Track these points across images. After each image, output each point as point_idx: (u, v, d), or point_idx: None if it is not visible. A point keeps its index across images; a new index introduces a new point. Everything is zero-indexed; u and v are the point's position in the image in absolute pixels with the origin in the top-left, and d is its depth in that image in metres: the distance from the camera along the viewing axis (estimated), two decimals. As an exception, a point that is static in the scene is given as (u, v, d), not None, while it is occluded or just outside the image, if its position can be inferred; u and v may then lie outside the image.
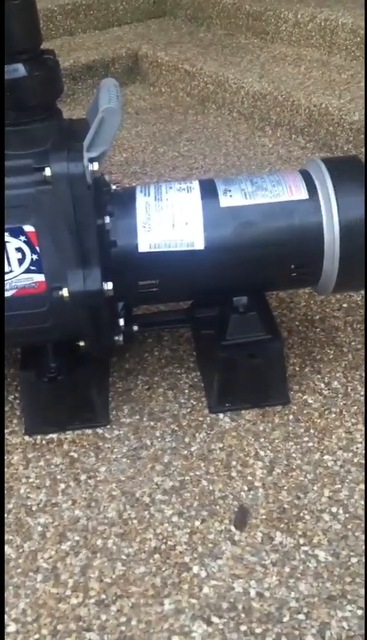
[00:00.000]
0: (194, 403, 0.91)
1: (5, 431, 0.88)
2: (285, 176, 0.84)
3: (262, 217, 0.81)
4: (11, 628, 0.65)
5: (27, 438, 0.87)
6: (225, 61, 1.95)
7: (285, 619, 0.64)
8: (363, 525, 0.72)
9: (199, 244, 0.80)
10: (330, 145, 1.58)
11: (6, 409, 0.92)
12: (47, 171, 0.71)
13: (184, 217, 0.80)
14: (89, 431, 0.87)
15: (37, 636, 0.64)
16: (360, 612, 0.63)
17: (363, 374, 0.93)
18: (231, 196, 0.81)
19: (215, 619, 0.64)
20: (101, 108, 0.71)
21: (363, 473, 0.78)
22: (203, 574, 0.68)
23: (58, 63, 0.74)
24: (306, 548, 0.70)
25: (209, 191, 0.82)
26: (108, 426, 0.88)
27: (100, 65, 2.10)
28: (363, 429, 0.84)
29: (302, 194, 0.82)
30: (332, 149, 1.58)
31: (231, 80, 1.85)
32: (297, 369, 0.95)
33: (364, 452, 0.81)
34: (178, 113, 1.95)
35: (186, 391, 0.93)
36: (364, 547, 0.70)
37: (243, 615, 0.64)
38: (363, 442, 0.82)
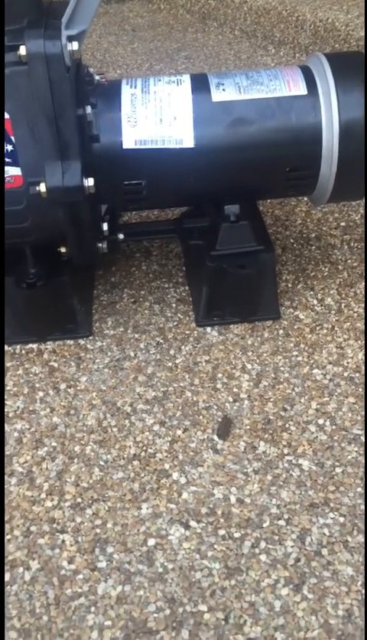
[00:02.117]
0: (181, 316, 0.87)
1: (-16, 341, 0.85)
2: (283, 70, 0.77)
3: (257, 113, 0.75)
4: (-18, 528, 0.63)
5: (5, 347, 0.83)
6: (228, -26, 1.83)
7: (265, 525, 0.62)
8: (349, 436, 0.70)
9: (189, 142, 0.74)
10: (336, 63, 1.49)
11: (-15, 319, 0.88)
12: (22, 50, 0.65)
13: (173, 111, 0.74)
14: (70, 342, 0.84)
15: (8, 537, 0.62)
16: (342, 520, 0.61)
17: (358, 291, 0.89)
18: (224, 90, 0.75)
19: (193, 523, 0.62)
20: (81, -21, 0.65)
21: (352, 386, 0.75)
22: (183, 480, 0.66)
23: None
24: (290, 457, 0.68)
25: (200, 84, 0.76)
26: (91, 338, 0.84)
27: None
28: (354, 344, 0.81)
29: (300, 89, 0.75)
30: (338, 67, 1.49)
31: (233, -5, 1.74)
32: (290, 285, 0.91)
33: (355, 366, 0.78)
34: (177, 31, 1.84)
35: (174, 305, 0.89)
36: (348, 457, 0.67)
37: (222, 520, 0.62)
38: (354, 357, 0.79)
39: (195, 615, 0.55)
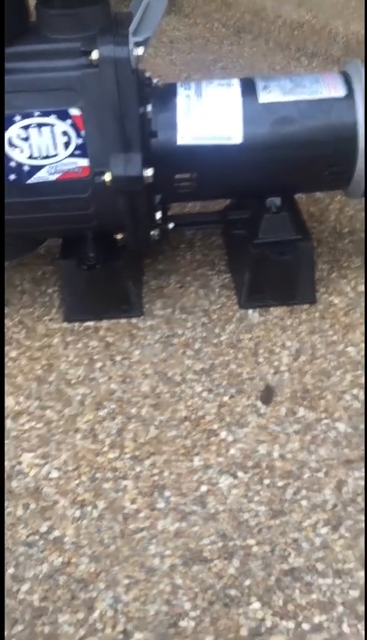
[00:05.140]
0: (225, 300, 0.95)
1: (45, 318, 0.93)
2: (323, 75, 0.85)
3: (299, 113, 0.83)
4: (53, 474, 0.71)
5: (65, 324, 0.92)
6: (263, -10, 1.92)
7: (305, 476, 0.69)
8: (382, 404, 0.76)
9: (237, 138, 0.82)
10: None
11: (45, 299, 0.96)
12: (94, 54, 0.74)
13: (224, 110, 0.82)
14: (123, 320, 0.92)
15: (77, 481, 0.70)
16: (375, 473, 0.68)
17: (389, 279, 0.96)
18: (270, 92, 0.83)
19: (240, 474, 0.69)
20: (148, -7, 0.74)
21: (385, 362, 0.82)
22: (230, 439, 0.73)
23: None
24: (327, 421, 0.75)
25: (248, 87, 0.84)
26: (142, 317, 0.92)
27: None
28: (386, 325, 0.88)
29: (339, 91, 0.83)
30: (368, 77, 1.57)
31: (268, 9, 1.83)
32: (325, 274, 0.98)
33: (386, 344, 0.85)
34: (213, 43, 1.93)
35: (217, 290, 0.97)
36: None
37: (266, 472, 0.69)
38: (386, 336, 0.86)
39: (244, 547, 0.62)
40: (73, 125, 0.77)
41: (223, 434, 0.74)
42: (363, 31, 1.59)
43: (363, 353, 0.84)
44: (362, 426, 0.74)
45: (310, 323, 0.90)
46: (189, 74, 1.72)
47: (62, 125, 0.77)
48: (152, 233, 0.88)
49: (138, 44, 0.75)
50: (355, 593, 0.58)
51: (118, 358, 0.86)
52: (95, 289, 0.91)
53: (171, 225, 0.91)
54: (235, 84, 0.85)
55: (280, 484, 0.68)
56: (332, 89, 0.84)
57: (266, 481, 0.68)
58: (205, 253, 1.05)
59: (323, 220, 1.11)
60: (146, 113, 0.80)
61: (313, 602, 0.58)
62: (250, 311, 0.92)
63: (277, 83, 0.84)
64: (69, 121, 0.77)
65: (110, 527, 0.65)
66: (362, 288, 0.95)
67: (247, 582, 0.59)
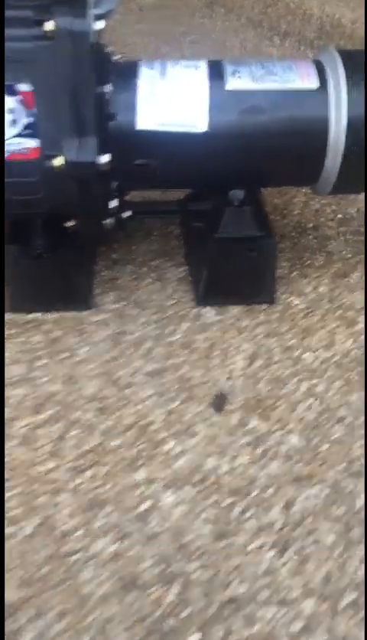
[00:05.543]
0: (181, 294, 0.90)
1: (-13, 307, 0.87)
2: (297, 63, 0.80)
3: (269, 102, 0.77)
4: (-16, 484, 0.66)
5: (8, 316, 0.85)
6: None
7: (254, 494, 0.65)
8: (336, 417, 0.74)
9: (202, 126, 0.77)
10: (340, 59, 1.52)
11: (-12, 286, 0.90)
12: (49, 25, 0.66)
13: (189, 95, 0.77)
14: (72, 314, 0.86)
15: (10, 494, 0.65)
16: (325, 492, 0.66)
17: (351, 281, 0.93)
18: (239, 78, 0.78)
19: (185, 489, 0.66)
20: None
21: (340, 371, 0.79)
22: (177, 450, 0.69)
23: None
24: (279, 433, 0.72)
25: (216, 71, 0.78)
26: (92, 310, 0.87)
27: None
28: (345, 331, 0.85)
29: (313, 82, 0.78)
30: (342, 63, 1.52)
31: (243, -18, 1.76)
32: (286, 272, 0.94)
33: (344, 352, 0.82)
34: (184, 14, 1.85)
35: (174, 284, 0.92)
36: (334, 436, 0.71)
37: (213, 488, 0.66)
38: (344, 343, 0.83)
39: (185, 573, 0.59)
40: (22, 102, 0.70)
41: (170, 444, 0.70)
42: (338, 14, 1.54)
43: (320, 360, 0.81)
44: (315, 440, 0.71)
45: (268, 325, 0.86)
46: (157, 46, 1.64)
47: (8, 101, 0.70)
48: (107, 221, 0.82)
49: (98, 17, 0.68)
50: (298, 625, 0.56)
51: (63, 356, 0.80)
52: (41, 280, 0.85)
53: (128, 213, 0.86)
54: (203, 67, 0.79)
55: (226, 502, 0.65)
56: (305, 79, 0.79)
57: (212, 499, 0.65)
58: (163, 243, 0.99)
59: (286, 214, 1.06)
60: (104, 93, 0.73)
61: (254, 634, 0.55)
62: (206, 309, 0.88)
63: (247, 68, 0.79)
64: (16, 97, 0.70)
65: (45, 546, 0.60)
66: (323, 289, 0.92)
67: (186, 612, 0.56)
